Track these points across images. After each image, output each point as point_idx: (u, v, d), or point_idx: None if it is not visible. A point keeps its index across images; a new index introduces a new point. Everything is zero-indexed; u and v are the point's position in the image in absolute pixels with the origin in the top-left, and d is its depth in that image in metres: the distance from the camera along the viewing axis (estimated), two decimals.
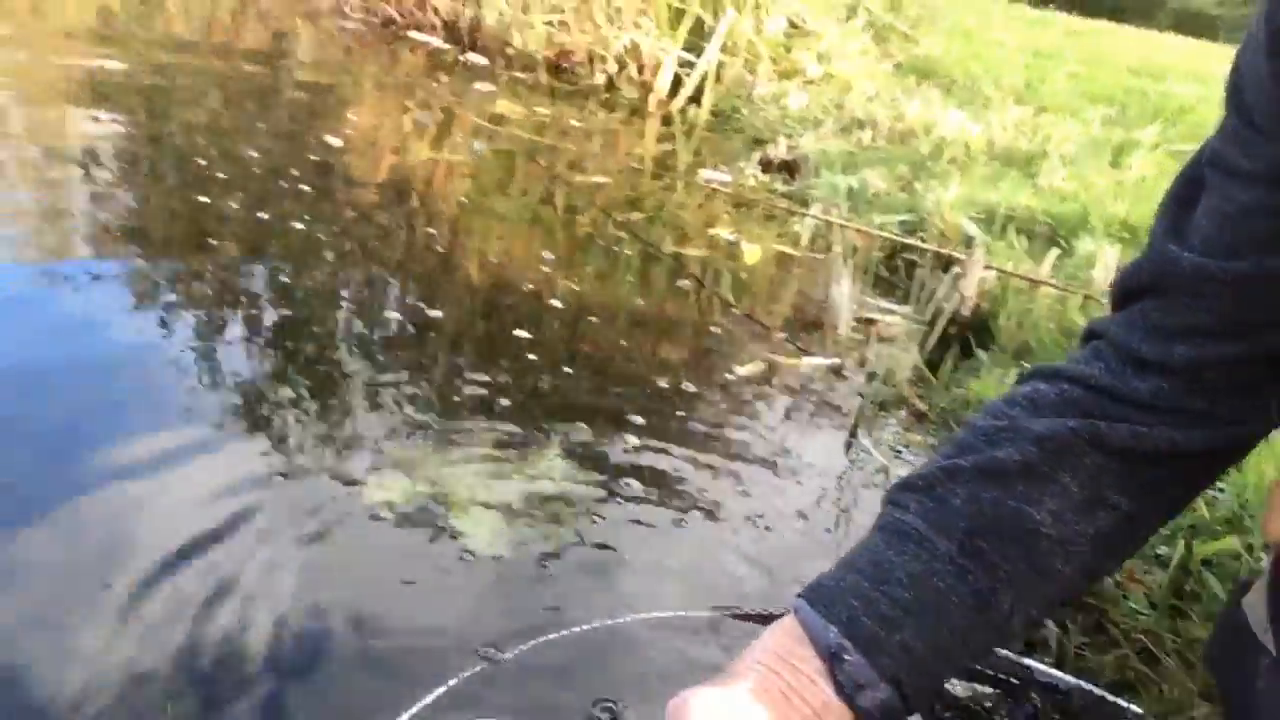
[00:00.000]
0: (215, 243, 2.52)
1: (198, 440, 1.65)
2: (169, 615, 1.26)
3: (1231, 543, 1.53)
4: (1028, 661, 1.35)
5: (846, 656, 0.98)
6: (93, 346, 1.94)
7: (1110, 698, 1.28)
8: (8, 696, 1.12)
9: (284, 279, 2.40)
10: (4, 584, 1.27)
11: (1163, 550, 1.62)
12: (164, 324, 2.05)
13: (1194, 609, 1.48)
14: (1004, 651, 1.35)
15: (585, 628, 1.35)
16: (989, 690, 1.34)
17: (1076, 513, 1.04)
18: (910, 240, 3.27)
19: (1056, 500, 1.03)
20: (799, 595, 1.07)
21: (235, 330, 2.09)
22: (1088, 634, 1.47)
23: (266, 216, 2.75)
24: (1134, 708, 1.26)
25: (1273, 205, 1.00)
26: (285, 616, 1.30)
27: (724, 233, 3.52)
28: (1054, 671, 1.34)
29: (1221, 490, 1.73)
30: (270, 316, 2.19)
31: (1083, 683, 1.31)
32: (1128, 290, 1.13)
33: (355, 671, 1.23)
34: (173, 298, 2.19)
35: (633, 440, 1.91)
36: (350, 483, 1.61)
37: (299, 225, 2.74)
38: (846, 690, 0.98)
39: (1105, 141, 4.80)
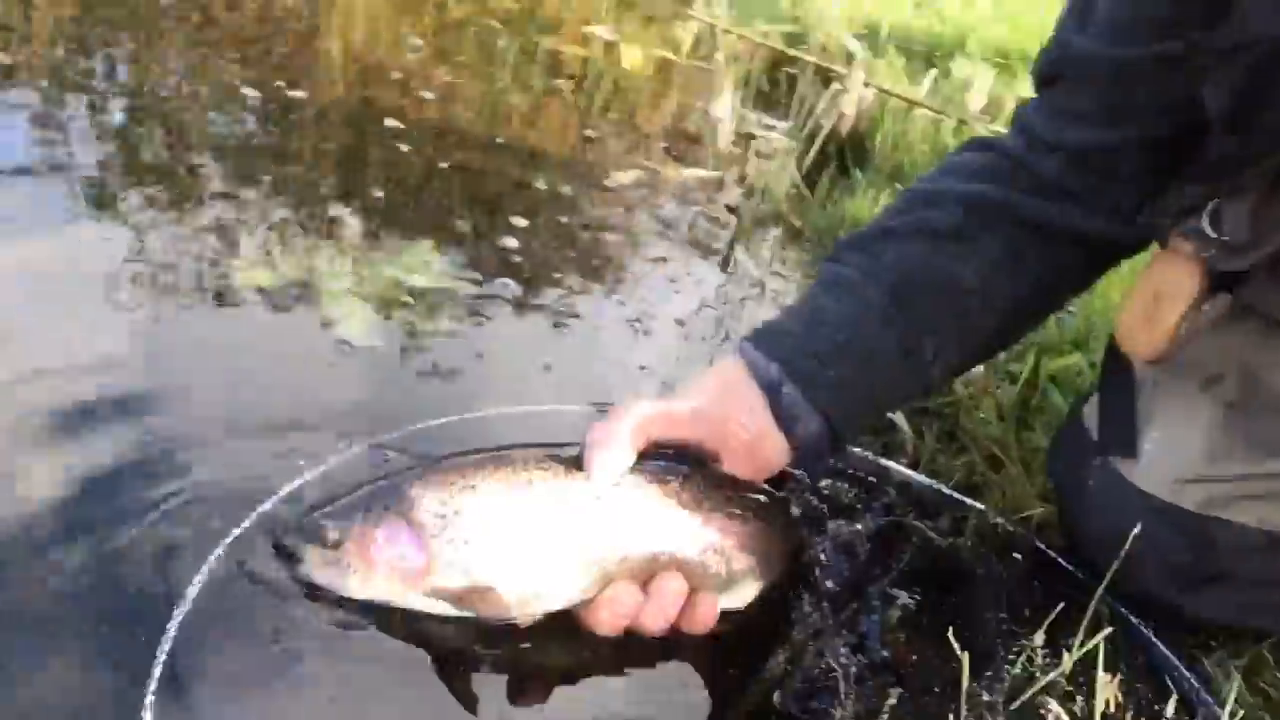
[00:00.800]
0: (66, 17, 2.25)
1: (59, 226, 1.52)
2: (40, 403, 1.18)
3: (1077, 359, 1.63)
4: (885, 462, 1.43)
5: (784, 389, 1.08)
6: None
7: (958, 496, 1.37)
8: None
9: (135, 57, 2.17)
10: None
11: (1013, 366, 1.72)
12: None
13: (1037, 421, 1.58)
14: (863, 452, 1.43)
15: (455, 418, 1.32)
16: (848, 487, 1.42)
17: (997, 271, 1.15)
18: (794, 53, 3.22)
19: (980, 259, 1.14)
20: (742, 338, 1.13)
21: (86, 119, 1.89)
22: (940, 441, 1.56)
23: None
24: (978, 505, 1.36)
25: None
26: (154, 394, 1.23)
27: (603, 32, 3.37)
28: (909, 472, 1.43)
29: (1070, 312, 1.83)
30: (122, 101, 1.99)
31: (934, 483, 1.40)
32: (1039, 76, 1.20)
33: (228, 454, 1.18)
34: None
35: (509, 240, 1.87)
36: (215, 264, 1.51)
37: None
38: (784, 420, 1.07)
39: None
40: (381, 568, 0.84)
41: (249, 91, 2.17)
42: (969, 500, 1.37)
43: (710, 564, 0.99)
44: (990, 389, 1.63)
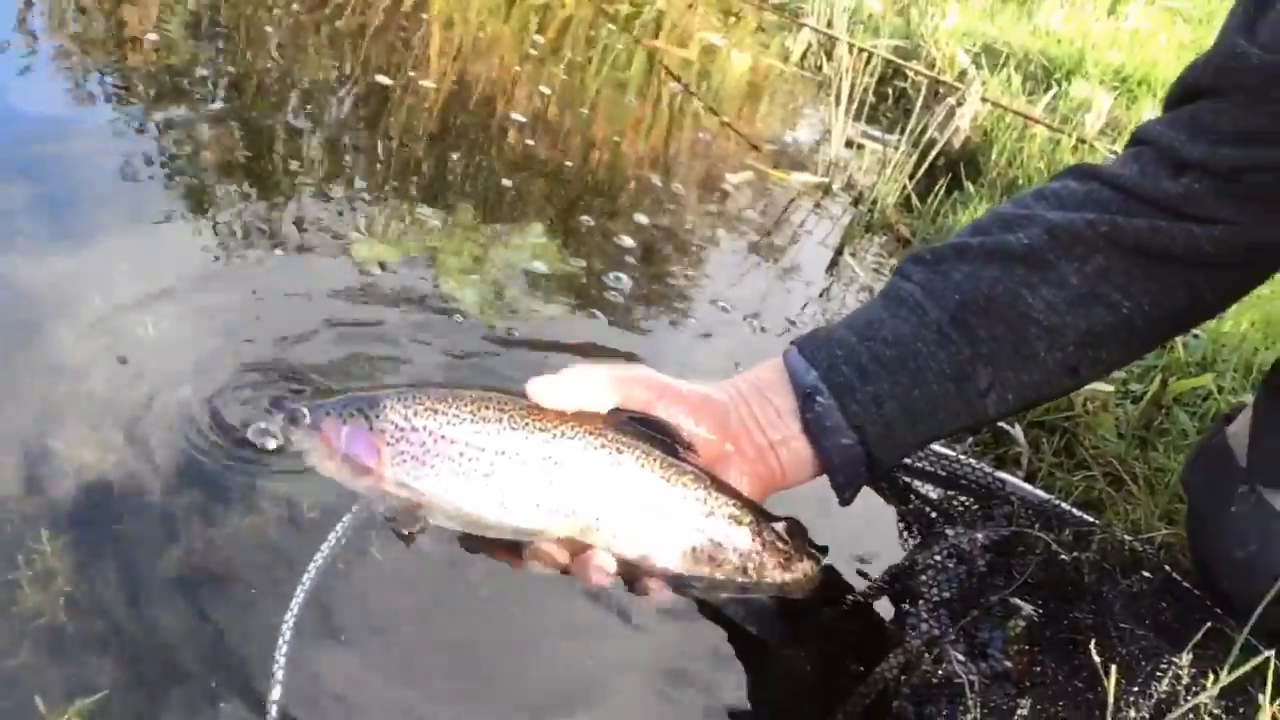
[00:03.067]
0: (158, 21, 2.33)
1: (185, 206, 1.56)
2: (160, 354, 1.22)
3: (1206, 380, 1.57)
4: (1000, 474, 1.39)
5: (819, 398, 1.02)
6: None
7: (1077, 513, 1.32)
8: None
9: (259, 46, 2.24)
10: None
11: (1135, 387, 1.66)
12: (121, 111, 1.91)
13: (1161, 441, 1.52)
14: (979, 464, 1.38)
15: None
16: (962, 497, 1.38)
17: (1071, 304, 1.05)
18: (908, 65, 3.18)
19: (1053, 289, 1.04)
20: (792, 342, 1.08)
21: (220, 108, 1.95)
22: (1058, 455, 1.51)
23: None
24: (1093, 521, 1.31)
25: None
26: (272, 355, 1.26)
27: (714, 39, 3.37)
28: (1025, 485, 1.38)
29: (1196, 336, 1.77)
30: (235, 91, 2.05)
31: (1052, 498, 1.35)
32: (1187, 88, 1.08)
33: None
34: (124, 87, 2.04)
35: (622, 234, 1.87)
36: (339, 237, 1.54)
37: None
38: (813, 429, 1.02)
39: None
40: (338, 456, 0.95)
41: (378, 79, 2.22)
42: (1089, 517, 1.32)
43: (636, 543, 0.97)
44: (1110, 406, 1.58)
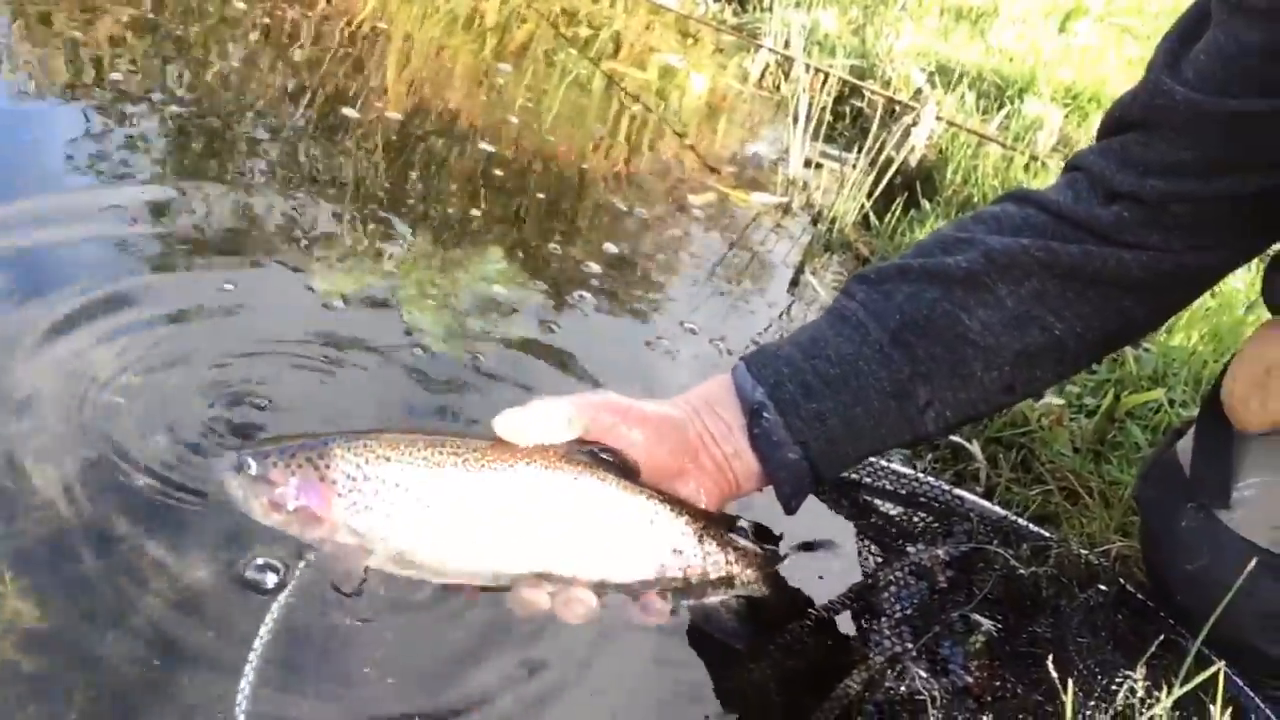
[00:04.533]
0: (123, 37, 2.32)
1: (143, 236, 1.55)
2: (118, 377, 1.21)
3: (1157, 395, 1.60)
4: (958, 491, 1.41)
5: (765, 415, 1.06)
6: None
7: (1034, 528, 1.35)
8: None
9: (219, 74, 2.23)
10: None
11: (1088, 401, 1.69)
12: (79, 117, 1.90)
13: (1115, 455, 1.56)
14: (936, 480, 1.41)
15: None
16: (921, 515, 1.40)
17: (1006, 326, 1.09)
18: (865, 85, 3.22)
19: (989, 310, 1.09)
20: (741, 358, 1.12)
21: (170, 133, 1.94)
22: (1015, 470, 1.54)
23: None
24: (1054, 538, 1.33)
25: (1275, 46, 1.00)
26: (232, 391, 1.25)
27: (673, 60, 3.40)
28: (983, 502, 1.41)
29: (1148, 349, 1.81)
30: (207, 115, 2.04)
31: (1009, 514, 1.38)
32: (1117, 120, 1.14)
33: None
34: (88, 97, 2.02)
35: (587, 256, 1.88)
36: (297, 270, 1.54)
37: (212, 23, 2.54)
38: (760, 443, 1.06)
39: (1054, 6, 4.76)
40: (286, 508, 0.90)
41: (340, 110, 2.21)
42: (1045, 531, 1.35)
43: (601, 569, 0.98)
44: (1064, 421, 1.61)
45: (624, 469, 0.99)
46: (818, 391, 1.07)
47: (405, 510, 0.91)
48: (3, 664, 0.89)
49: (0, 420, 1.12)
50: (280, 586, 1.01)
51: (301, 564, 1.03)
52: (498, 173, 2.11)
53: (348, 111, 2.17)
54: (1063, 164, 2.66)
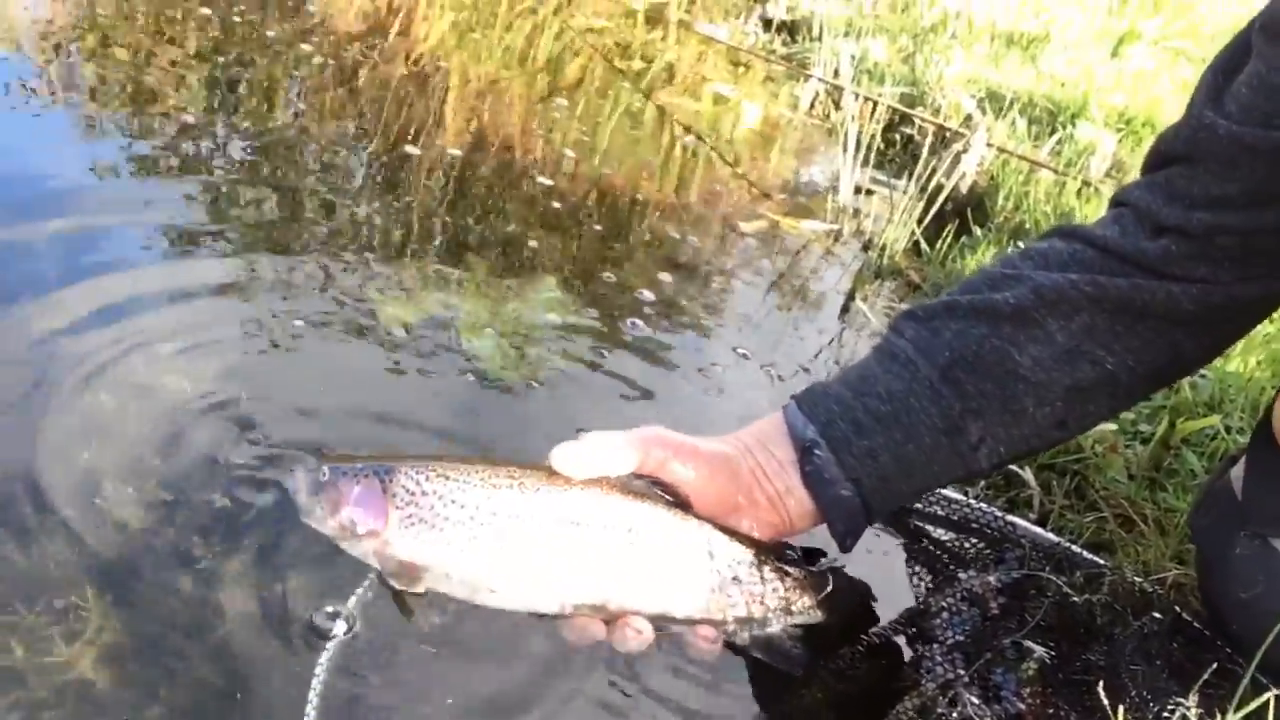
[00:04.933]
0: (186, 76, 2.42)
1: (214, 268, 1.62)
2: (198, 437, 1.27)
3: (1213, 421, 1.59)
4: (1010, 517, 1.42)
5: (817, 452, 1.07)
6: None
7: (1088, 555, 1.35)
8: None
9: (264, 113, 2.32)
10: None
11: (1144, 428, 1.69)
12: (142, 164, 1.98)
13: (1171, 482, 1.55)
14: (988, 507, 1.41)
15: None
16: (973, 540, 1.41)
17: (1057, 361, 1.09)
18: (915, 113, 3.24)
19: (1039, 346, 1.09)
20: (792, 396, 1.13)
21: (241, 168, 2.03)
22: (1068, 497, 1.54)
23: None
24: (1108, 565, 1.33)
25: None
26: (301, 425, 1.31)
27: (725, 89, 3.45)
28: (1035, 528, 1.41)
29: (1204, 376, 1.79)
30: (271, 151, 2.13)
31: (1063, 541, 1.38)
32: (1161, 155, 1.15)
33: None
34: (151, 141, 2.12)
35: (640, 284, 1.92)
36: (362, 301, 1.60)
37: (267, 61, 2.63)
38: (812, 481, 1.07)
39: (1106, 30, 4.73)
40: (343, 517, 0.94)
41: (401, 147, 2.29)
42: (1100, 559, 1.35)
43: (656, 600, 1.00)
44: (1119, 448, 1.61)
45: (677, 503, 1.02)
46: (869, 429, 1.08)
47: (459, 526, 0.94)
48: (81, 681, 0.94)
49: (82, 441, 1.19)
50: (346, 616, 1.06)
51: (363, 585, 1.08)
52: (553, 204, 2.16)
53: (410, 148, 2.25)
54: (1116, 189, 2.66)
